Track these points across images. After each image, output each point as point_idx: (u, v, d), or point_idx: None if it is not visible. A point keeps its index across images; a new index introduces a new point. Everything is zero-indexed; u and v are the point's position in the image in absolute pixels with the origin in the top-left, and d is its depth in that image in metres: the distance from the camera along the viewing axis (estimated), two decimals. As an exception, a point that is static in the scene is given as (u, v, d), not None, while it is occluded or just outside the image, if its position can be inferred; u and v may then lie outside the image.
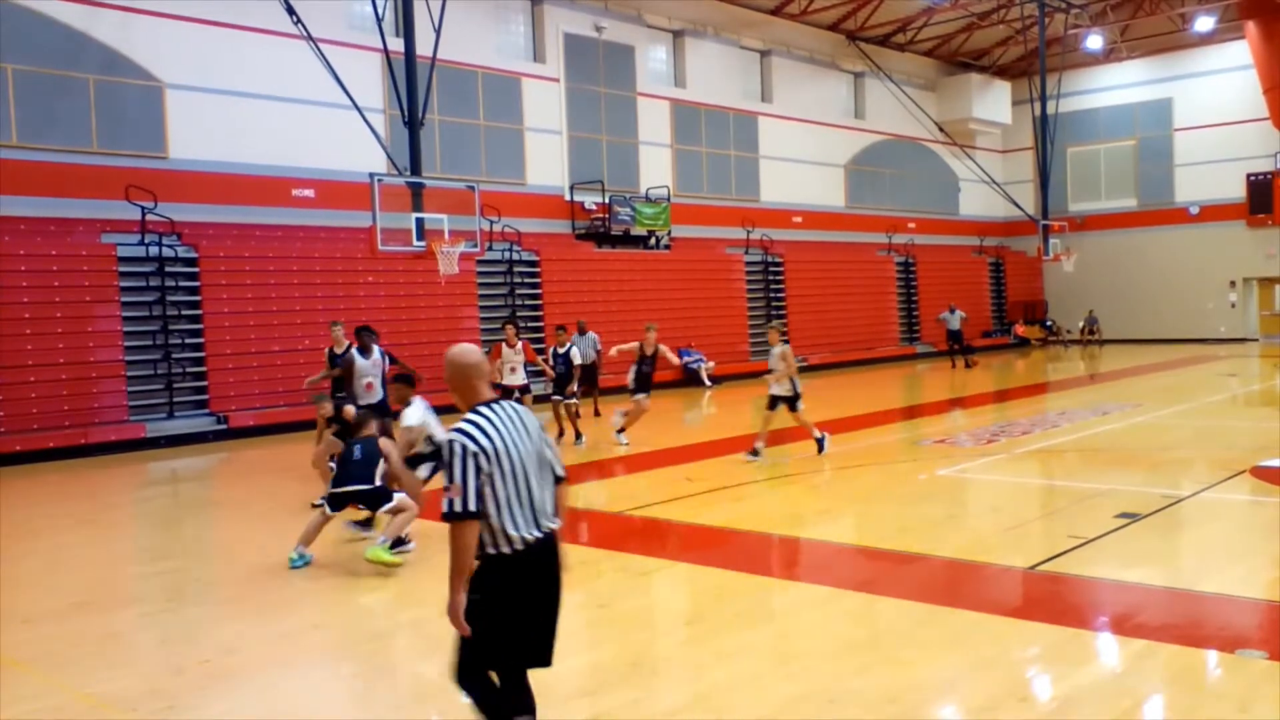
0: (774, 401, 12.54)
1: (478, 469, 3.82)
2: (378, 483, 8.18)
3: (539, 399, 15.73)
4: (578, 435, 14.56)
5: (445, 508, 3.81)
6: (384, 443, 8.41)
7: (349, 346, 11.87)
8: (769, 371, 12.77)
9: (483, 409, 3.97)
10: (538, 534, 3.96)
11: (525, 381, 14.32)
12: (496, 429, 3.91)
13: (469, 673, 4.09)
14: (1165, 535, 8.50)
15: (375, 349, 11.64)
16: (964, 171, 36.06)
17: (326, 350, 12.36)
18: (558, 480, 4.16)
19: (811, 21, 29.93)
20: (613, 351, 14.71)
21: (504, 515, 3.88)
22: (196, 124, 18.24)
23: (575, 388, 15.12)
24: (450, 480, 3.82)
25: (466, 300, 20.65)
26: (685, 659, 5.87)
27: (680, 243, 26.22)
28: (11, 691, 5.55)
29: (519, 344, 14.23)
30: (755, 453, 12.32)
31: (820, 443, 12.55)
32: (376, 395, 11.42)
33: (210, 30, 18.43)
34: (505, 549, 3.91)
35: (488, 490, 3.85)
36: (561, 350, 15.19)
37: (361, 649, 6.20)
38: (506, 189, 22.31)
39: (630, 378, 14.12)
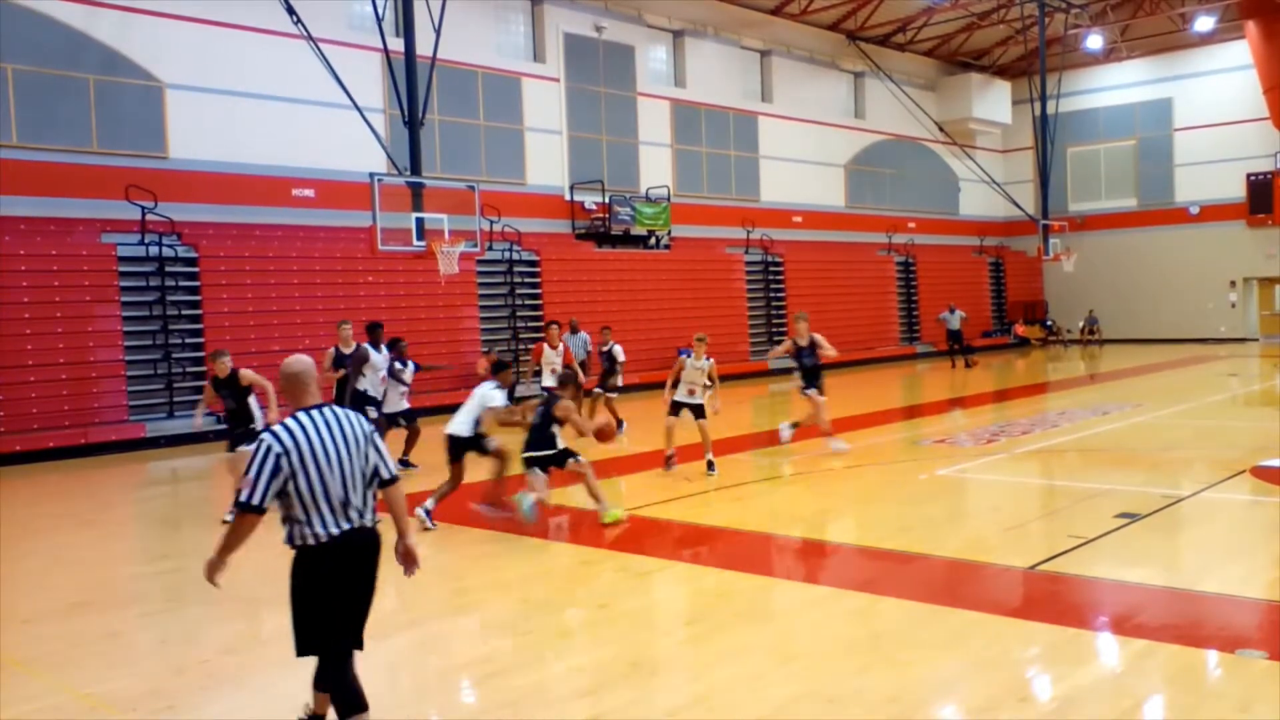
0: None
1: (276, 468, 4.19)
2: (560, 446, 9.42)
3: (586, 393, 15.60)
4: (620, 423, 14.79)
5: (236, 496, 4.24)
6: (562, 406, 9.48)
7: (357, 345, 12.55)
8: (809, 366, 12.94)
9: (301, 414, 4.33)
10: (344, 528, 4.31)
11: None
12: (306, 433, 4.25)
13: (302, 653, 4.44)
14: (1165, 535, 8.50)
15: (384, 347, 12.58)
16: (964, 171, 36.05)
17: (333, 350, 12.56)
18: (386, 482, 4.50)
19: (811, 21, 29.93)
20: (771, 355, 14.47)
21: (309, 512, 4.25)
22: (196, 124, 18.24)
23: (618, 381, 15.86)
24: (246, 473, 4.20)
25: (466, 300, 20.66)
26: (685, 659, 5.87)
27: (680, 242, 26.22)
28: (11, 691, 5.55)
29: (561, 345, 14.38)
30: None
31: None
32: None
33: (210, 30, 18.43)
34: (310, 542, 4.28)
35: (290, 488, 4.22)
36: (604, 348, 15.83)
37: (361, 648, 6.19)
38: (506, 189, 22.31)
39: (796, 375, 13.52)
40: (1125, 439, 13.66)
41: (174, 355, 16.93)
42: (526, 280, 22.18)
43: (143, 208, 16.84)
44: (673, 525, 9.38)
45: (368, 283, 19.08)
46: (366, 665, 5.93)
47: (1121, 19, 33.61)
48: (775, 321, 27.54)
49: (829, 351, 13.32)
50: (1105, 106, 36.27)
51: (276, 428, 4.27)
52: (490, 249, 20.31)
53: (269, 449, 4.20)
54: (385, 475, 4.50)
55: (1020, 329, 36.18)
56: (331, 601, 4.37)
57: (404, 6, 16.49)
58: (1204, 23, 32.44)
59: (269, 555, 8.64)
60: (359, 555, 4.41)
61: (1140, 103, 35.62)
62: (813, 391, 13.03)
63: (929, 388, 23.75)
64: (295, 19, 16.06)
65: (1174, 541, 8.41)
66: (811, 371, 13.12)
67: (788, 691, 5.18)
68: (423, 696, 5.49)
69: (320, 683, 4.60)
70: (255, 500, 4.19)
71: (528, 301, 22.20)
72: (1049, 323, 36.75)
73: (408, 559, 4.74)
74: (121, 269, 16.49)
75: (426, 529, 9.27)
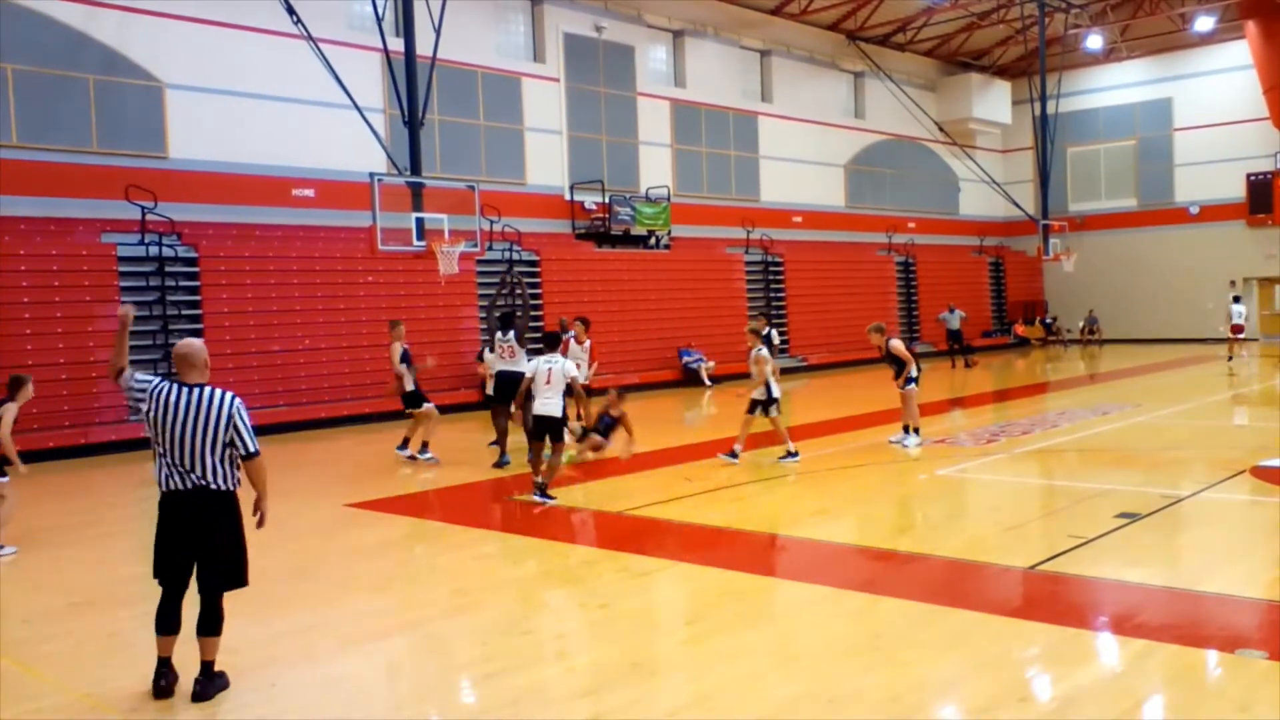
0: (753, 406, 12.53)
1: (142, 404, 5.36)
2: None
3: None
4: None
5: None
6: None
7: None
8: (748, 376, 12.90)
9: (176, 386, 5.34)
10: (182, 486, 5.30)
11: (586, 381, 14.25)
12: (170, 401, 5.27)
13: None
14: (1165, 535, 8.50)
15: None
16: (964, 171, 36.06)
17: (401, 349, 13.19)
18: (245, 456, 5.41)
19: (811, 21, 29.93)
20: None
21: (160, 465, 5.33)
22: (196, 124, 18.23)
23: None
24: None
25: (466, 300, 20.65)
26: (685, 659, 5.87)
27: (680, 242, 26.22)
28: (11, 691, 5.55)
29: (587, 342, 14.48)
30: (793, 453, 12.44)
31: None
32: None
33: (210, 30, 18.43)
34: (161, 489, 5.35)
35: (151, 435, 5.33)
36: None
37: (361, 649, 6.20)
38: (506, 189, 22.31)
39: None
40: (1125, 439, 13.66)
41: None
42: (526, 280, 22.15)
43: (143, 208, 16.84)
44: (673, 525, 9.38)
45: (368, 283, 19.08)
46: (367, 665, 5.94)
47: (1121, 19, 33.61)
48: (775, 321, 27.50)
49: (904, 355, 13.49)
50: (1105, 106, 36.27)
51: (163, 382, 5.38)
52: (490, 249, 20.31)
53: (149, 387, 5.37)
54: (243, 451, 5.40)
55: (1020, 329, 36.18)
56: (165, 544, 5.36)
57: (404, 6, 16.49)
58: (1204, 23, 32.44)
59: (268, 554, 8.65)
60: (191, 509, 5.30)
61: (1140, 103, 35.62)
62: (911, 386, 13.33)
63: (929, 388, 23.70)
64: (295, 19, 16.06)
65: (1174, 541, 8.41)
66: (898, 372, 13.45)
67: (788, 691, 5.18)
68: (423, 696, 5.49)
69: (158, 621, 5.41)
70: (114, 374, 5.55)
71: (528, 301, 22.16)
72: (1048, 322, 36.77)
73: (260, 519, 5.64)
74: (121, 269, 16.47)
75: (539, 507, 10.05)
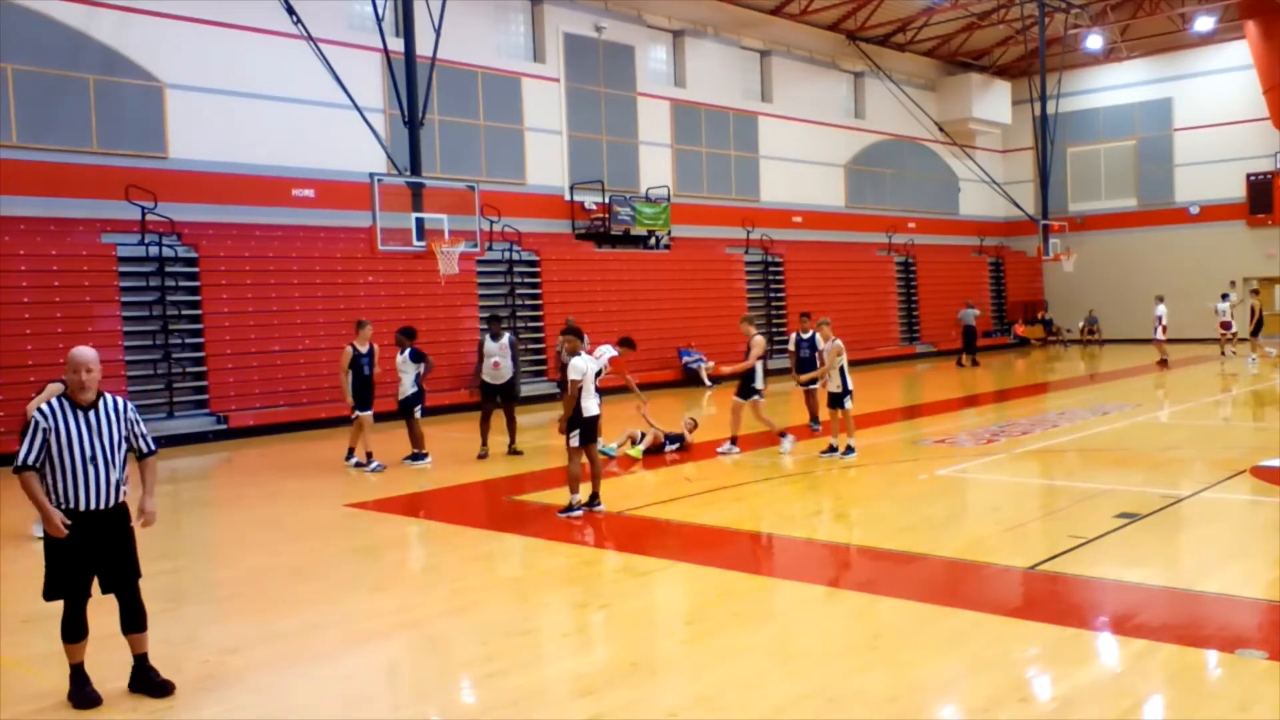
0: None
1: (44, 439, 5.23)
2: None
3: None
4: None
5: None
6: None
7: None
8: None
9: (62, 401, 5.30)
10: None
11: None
12: (60, 416, 5.25)
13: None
14: (1165, 535, 8.50)
15: (505, 335, 13.64)
16: (964, 171, 36.06)
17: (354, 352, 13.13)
18: (143, 455, 5.54)
19: (811, 21, 29.93)
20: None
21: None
22: (196, 124, 18.23)
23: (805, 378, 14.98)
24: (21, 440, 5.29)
25: (466, 300, 20.65)
26: (685, 659, 5.87)
27: (680, 243, 26.22)
28: (11, 691, 5.55)
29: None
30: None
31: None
32: (505, 374, 13.55)
33: (210, 30, 18.43)
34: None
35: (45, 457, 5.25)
36: (806, 336, 15.19)
37: (361, 649, 6.20)
38: (506, 189, 22.31)
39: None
40: (1125, 439, 13.66)
41: (174, 355, 16.93)
42: (526, 280, 22.18)
43: (143, 208, 16.84)
44: (673, 525, 9.38)
45: (368, 283, 19.08)
46: (367, 665, 5.95)
47: (1121, 19, 33.61)
48: (775, 321, 27.53)
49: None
50: (1105, 106, 36.26)
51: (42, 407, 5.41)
52: (490, 249, 20.31)
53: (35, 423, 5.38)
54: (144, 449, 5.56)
55: (1020, 329, 36.18)
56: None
57: (404, 6, 16.48)
58: (1204, 23, 32.44)
59: (268, 555, 8.66)
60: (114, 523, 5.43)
61: (1140, 103, 35.61)
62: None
63: (929, 388, 23.75)
64: (295, 19, 16.06)
65: (1174, 541, 8.41)
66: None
67: (788, 691, 5.18)
68: (423, 696, 5.49)
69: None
70: (29, 460, 5.37)
71: (528, 302, 22.20)
72: (1048, 320, 36.78)
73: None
74: (121, 269, 16.48)
75: (575, 519, 9.57)
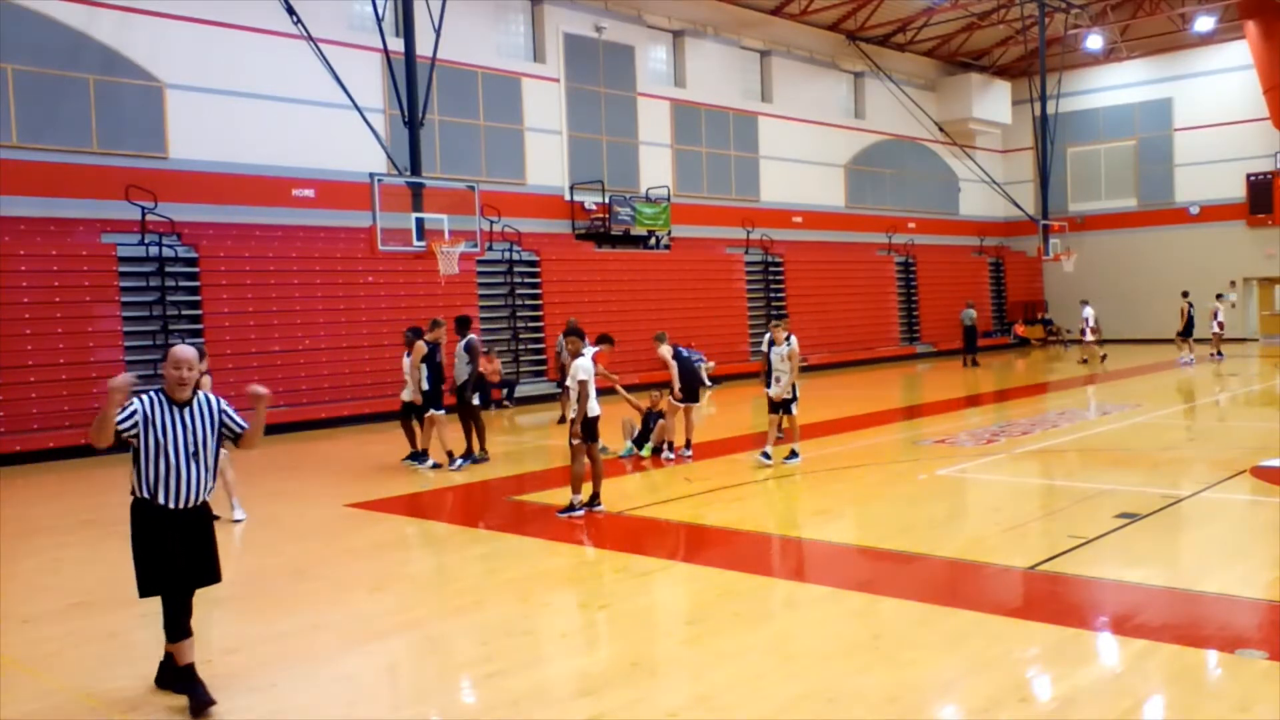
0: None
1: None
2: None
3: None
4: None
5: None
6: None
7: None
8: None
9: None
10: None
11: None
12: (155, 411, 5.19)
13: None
14: (1165, 535, 8.50)
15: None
16: (964, 171, 36.06)
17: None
18: (238, 433, 5.49)
19: (811, 21, 29.93)
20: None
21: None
22: (196, 124, 18.23)
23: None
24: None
25: (467, 300, 20.64)
26: (685, 659, 5.86)
27: (680, 243, 26.21)
28: (11, 692, 5.55)
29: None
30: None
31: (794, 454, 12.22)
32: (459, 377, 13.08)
33: (210, 30, 18.43)
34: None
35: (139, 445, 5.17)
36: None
37: (361, 649, 6.20)
38: (506, 189, 22.31)
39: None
40: (1125, 439, 13.65)
41: (174, 355, 16.90)
42: (526, 280, 22.18)
43: (143, 208, 16.84)
44: (673, 525, 9.38)
45: (368, 283, 19.08)
46: (367, 665, 5.94)
47: (1121, 19, 33.61)
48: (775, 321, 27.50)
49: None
50: (1105, 106, 36.27)
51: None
52: (490, 249, 20.31)
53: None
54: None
55: (1020, 329, 36.19)
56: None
57: (404, 6, 16.49)
58: (1204, 23, 32.45)
59: (269, 555, 8.66)
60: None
61: (1140, 103, 35.62)
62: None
63: (929, 388, 23.75)
64: (295, 19, 16.06)
65: (1174, 541, 8.41)
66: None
67: (788, 691, 5.18)
68: (423, 696, 5.49)
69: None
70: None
71: (528, 302, 22.20)
72: (1048, 320, 36.76)
73: None
74: (121, 269, 16.48)
75: (577, 519, 9.54)
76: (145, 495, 5.20)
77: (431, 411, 12.80)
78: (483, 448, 13.32)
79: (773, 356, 12.35)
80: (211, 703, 5.19)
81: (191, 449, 5.24)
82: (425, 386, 12.68)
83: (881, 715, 4.86)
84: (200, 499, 5.34)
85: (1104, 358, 27.17)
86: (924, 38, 32.90)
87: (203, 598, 7.54)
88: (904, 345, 32.16)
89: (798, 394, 12.36)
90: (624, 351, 22.93)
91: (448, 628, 6.58)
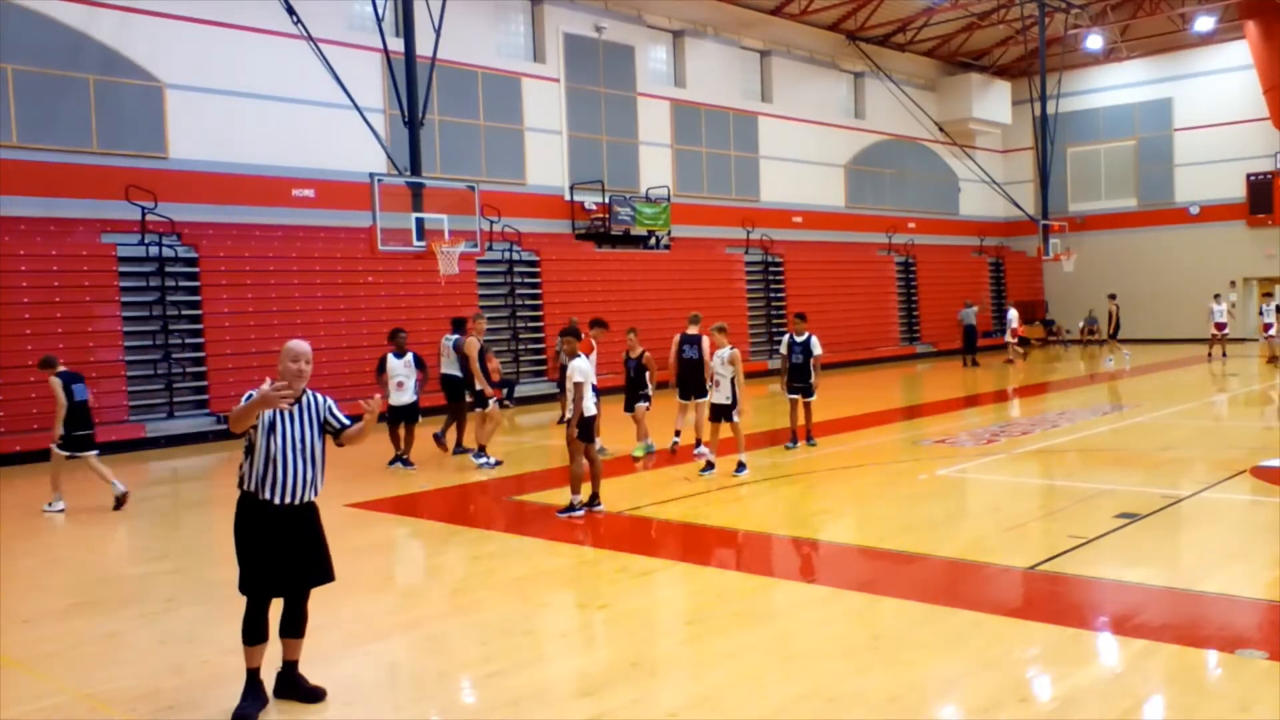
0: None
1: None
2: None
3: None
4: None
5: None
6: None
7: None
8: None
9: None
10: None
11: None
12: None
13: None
14: (1165, 535, 8.50)
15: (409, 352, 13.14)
16: (964, 171, 36.06)
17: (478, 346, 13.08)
18: (340, 430, 5.49)
19: (811, 21, 29.93)
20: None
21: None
22: (196, 124, 18.23)
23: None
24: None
25: (467, 300, 20.62)
26: (685, 659, 5.87)
27: (680, 243, 26.21)
28: (11, 691, 5.55)
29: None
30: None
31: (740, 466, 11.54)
32: (408, 395, 13.00)
33: (210, 30, 18.43)
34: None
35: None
36: (800, 339, 14.05)
37: (361, 649, 6.20)
38: (506, 189, 22.31)
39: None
40: (1125, 439, 13.66)
41: (174, 355, 16.93)
42: (526, 280, 22.18)
43: (143, 208, 16.84)
44: (673, 525, 9.38)
45: (368, 283, 19.08)
46: (367, 665, 5.94)
47: (1121, 19, 33.61)
48: (775, 321, 27.54)
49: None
50: (1105, 106, 36.26)
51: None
52: (490, 249, 20.30)
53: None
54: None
55: (1020, 329, 36.11)
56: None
57: (404, 6, 16.49)
58: (1204, 23, 32.45)
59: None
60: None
61: (1140, 103, 35.61)
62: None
63: (929, 388, 23.75)
64: (295, 19, 16.06)
65: (1174, 541, 8.41)
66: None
67: (788, 691, 5.18)
68: (423, 696, 5.49)
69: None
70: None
71: (528, 302, 22.20)
72: (1048, 320, 36.73)
73: None
74: (121, 269, 16.48)
75: (577, 519, 9.49)
76: (251, 489, 5.19)
77: (492, 406, 12.80)
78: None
79: (714, 360, 11.76)
80: (316, 696, 5.31)
81: (300, 445, 5.21)
82: (476, 385, 12.75)
83: (881, 715, 4.86)
84: (307, 497, 5.28)
85: (1025, 356, 27.60)
86: (924, 38, 32.90)
87: (202, 597, 7.56)
88: (904, 345, 32.15)
89: (739, 401, 11.43)
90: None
91: (448, 628, 6.58)
